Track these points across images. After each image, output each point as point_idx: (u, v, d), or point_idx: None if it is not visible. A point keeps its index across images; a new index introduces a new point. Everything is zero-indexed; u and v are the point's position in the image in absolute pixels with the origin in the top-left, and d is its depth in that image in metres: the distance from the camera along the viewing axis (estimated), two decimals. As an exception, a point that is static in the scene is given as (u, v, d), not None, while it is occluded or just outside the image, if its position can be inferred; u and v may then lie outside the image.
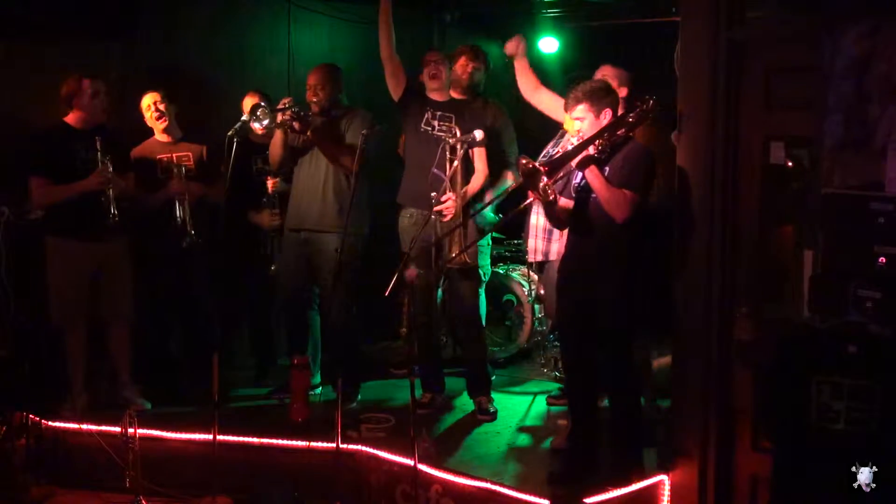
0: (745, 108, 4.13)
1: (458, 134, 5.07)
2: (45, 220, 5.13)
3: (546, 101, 5.20)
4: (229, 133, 4.97)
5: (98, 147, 5.05)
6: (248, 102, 5.65)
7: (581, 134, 4.23)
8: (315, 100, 5.40)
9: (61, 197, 5.07)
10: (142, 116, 5.47)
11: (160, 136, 5.47)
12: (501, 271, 6.48)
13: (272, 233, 5.64)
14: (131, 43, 5.76)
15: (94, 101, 5.14)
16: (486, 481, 4.34)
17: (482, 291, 5.54)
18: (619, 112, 4.32)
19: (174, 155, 5.42)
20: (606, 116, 4.22)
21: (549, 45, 7.30)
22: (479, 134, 5.03)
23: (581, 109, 4.23)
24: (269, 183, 5.61)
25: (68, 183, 5.06)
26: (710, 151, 4.17)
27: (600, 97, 4.23)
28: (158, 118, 5.41)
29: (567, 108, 4.31)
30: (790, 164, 4.11)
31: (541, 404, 5.51)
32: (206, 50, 6.19)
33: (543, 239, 5.27)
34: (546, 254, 5.30)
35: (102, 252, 5.18)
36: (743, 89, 4.13)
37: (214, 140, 5.29)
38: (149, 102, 5.42)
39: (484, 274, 5.45)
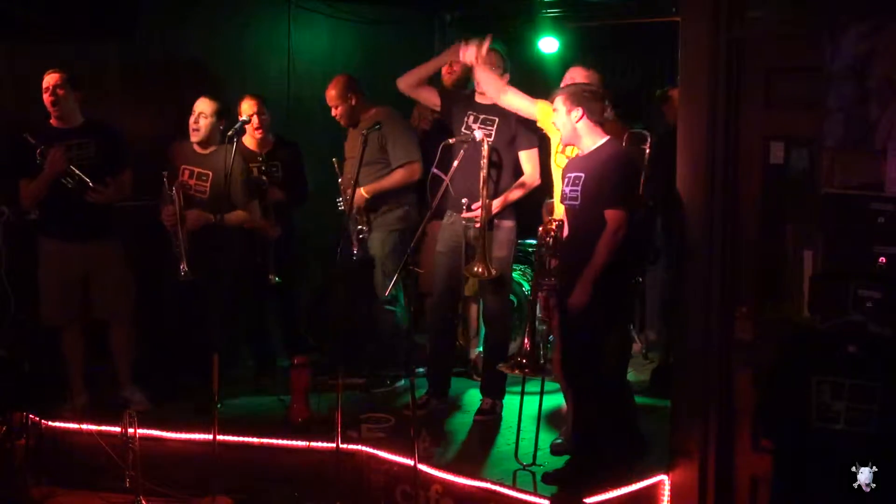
0: (745, 108, 4.13)
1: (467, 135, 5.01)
2: (38, 221, 5.13)
3: (512, 101, 4.95)
4: (229, 133, 4.96)
5: (31, 139, 4.98)
6: (247, 107, 5.62)
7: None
8: (337, 115, 5.54)
9: (35, 192, 5.04)
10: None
11: (193, 145, 5.38)
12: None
13: (271, 242, 5.61)
14: (131, 43, 5.75)
15: (45, 97, 5.07)
16: (486, 481, 4.34)
17: None
18: (602, 117, 4.30)
19: (196, 170, 5.29)
20: (576, 116, 4.21)
21: (549, 45, 7.29)
22: (478, 134, 4.97)
23: (558, 101, 4.27)
24: (272, 193, 5.60)
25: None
26: (710, 151, 4.17)
27: (578, 97, 4.22)
28: (194, 129, 5.28)
29: (551, 98, 4.33)
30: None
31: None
32: (205, 50, 6.19)
33: None
34: None
35: (92, 253, 5.15)
36: (743, 89, 4.13)
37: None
38: (200, 109, 5.29)
39: None
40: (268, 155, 5.70)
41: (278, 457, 4.80)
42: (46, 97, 5.07)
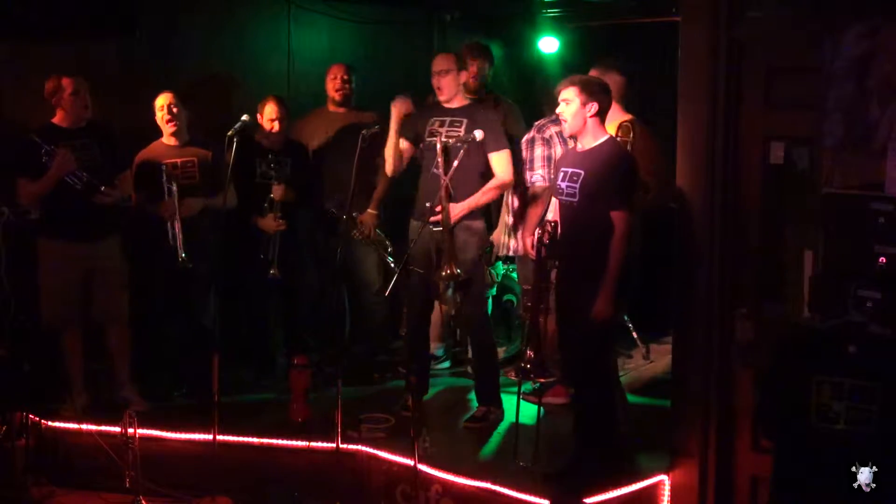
0: (745, 108, 4.14)
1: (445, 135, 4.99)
2: (38, 221, 5.13)
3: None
4: (229, 133, 4.96)
5: (37, 139, 4.98)
6: (269, 111, 5.62)
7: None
8: (344, 90, 5.84)
9: (38, 192, 5.03)
10: (153, 115, 5.41)
11: (167, 140, 5.42)
12: (501, 271, 6.47)
13: (275, 237, 5.61)
14: (131, 43, 5.75)
15: (73, 99, 5.07)
16: (486, 481, 4.34)
17: (489, 296, 5.48)
18: (607, 113, 4.31)
19: (178, 161, 5.36)
20: (591, 109, 4.20)
21: (549, 45, 7.29)
22: (479, 134, 4.95)
23: (571, 91, 4.22)
24: (277, 191, 5.59)
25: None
26: (710, 151, 4.17)
27: (594, 89, 4.21)
28: (169, 121, 5.35)
29: (558, 88, 4.28)
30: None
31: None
32: (206, 50, 6.19)
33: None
34: (508, 248, 5.58)
35: (93, 253, 5.15)
36: (743, 89, 4.13)
37: (218, 143, 5.27)
38: (162, 103, 5.35)
39: (495, 277, 5.42)
40: (278, 151, 5.70)
41: (278, 457, 4.80)
42: (76, 99, 5.06)
